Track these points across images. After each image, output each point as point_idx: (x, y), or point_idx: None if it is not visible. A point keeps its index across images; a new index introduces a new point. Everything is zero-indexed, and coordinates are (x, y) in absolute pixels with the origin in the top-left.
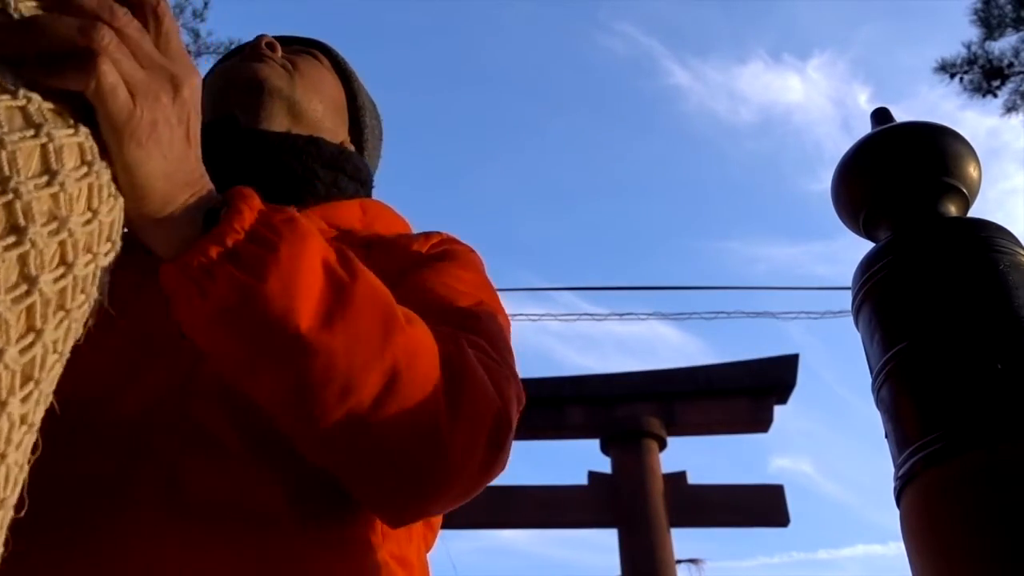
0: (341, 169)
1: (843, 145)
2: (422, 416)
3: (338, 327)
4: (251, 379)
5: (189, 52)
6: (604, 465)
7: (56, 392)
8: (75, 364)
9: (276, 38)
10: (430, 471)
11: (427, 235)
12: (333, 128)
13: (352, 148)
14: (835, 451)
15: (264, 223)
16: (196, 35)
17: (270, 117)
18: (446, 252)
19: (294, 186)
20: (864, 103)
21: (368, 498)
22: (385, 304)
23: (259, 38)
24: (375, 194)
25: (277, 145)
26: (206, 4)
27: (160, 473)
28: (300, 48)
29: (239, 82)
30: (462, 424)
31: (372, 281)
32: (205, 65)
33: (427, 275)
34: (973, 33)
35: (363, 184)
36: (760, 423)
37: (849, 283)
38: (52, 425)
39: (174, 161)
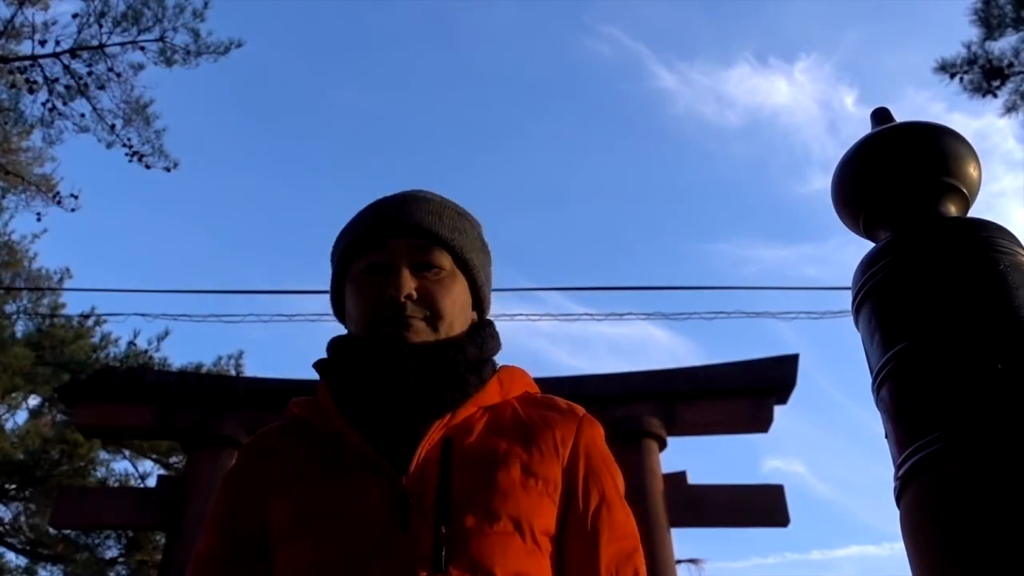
0: (483, 363)
1: (831, 148)
2: None
3: None
4: None
5: (188, 52)
6: None
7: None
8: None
9: (402, 238)
10: None
11: (565, 416)
12: (464, 317)
13: (479, 317)
14: (828, 452)
15: None
16: (196, 35)
17: (418, 335)
18: (601, 458)
19: (454, 391)
20: (851, 106)
21: None
22: None
23: (396, 287)
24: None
25: (435, 362)
26: (206, 4)
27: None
28: (427, 260)
29: (391, 343)
30: None
31: None
32: (206, 67)
33: (601, 513)
34: (968, 34)
35: (495, 350)
36: (760, 423)
37: (841, 283)
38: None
39: None
